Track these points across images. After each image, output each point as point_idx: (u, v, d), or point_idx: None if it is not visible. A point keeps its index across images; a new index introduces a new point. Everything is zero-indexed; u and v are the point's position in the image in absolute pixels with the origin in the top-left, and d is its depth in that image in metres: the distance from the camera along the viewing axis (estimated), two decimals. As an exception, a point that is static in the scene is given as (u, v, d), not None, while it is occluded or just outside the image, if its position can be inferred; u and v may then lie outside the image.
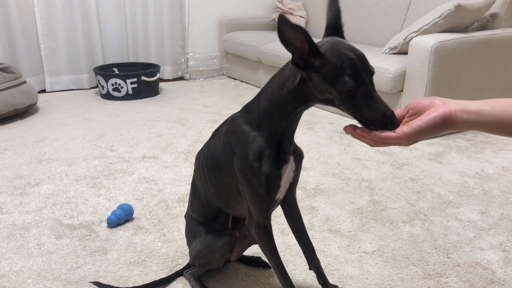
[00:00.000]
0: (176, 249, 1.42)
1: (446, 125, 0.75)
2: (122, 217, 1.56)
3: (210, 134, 1.25)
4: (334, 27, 0.87)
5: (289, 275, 1.05)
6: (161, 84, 3.79)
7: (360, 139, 0.83)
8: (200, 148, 1.16)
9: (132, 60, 3.89)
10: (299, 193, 1.79)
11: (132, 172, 2.02)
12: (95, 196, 1.79)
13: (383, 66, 2.49)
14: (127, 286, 1.24)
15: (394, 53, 2.63)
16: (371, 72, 0.82)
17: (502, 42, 2.51)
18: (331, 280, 1.23)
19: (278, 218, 1.58)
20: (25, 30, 3.40)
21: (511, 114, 0.72)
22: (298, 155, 1.02)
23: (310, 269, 1.15)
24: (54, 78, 3.60)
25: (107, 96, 3.38)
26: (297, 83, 0.86)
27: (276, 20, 0.76)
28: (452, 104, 0.76)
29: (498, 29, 2.59)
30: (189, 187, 1.82)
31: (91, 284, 1.24)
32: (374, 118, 0.79)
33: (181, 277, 1.27)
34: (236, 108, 2.95)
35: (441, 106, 0.76)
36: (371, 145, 0.83)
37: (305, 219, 1.56)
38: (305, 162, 2.09)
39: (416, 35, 2.46)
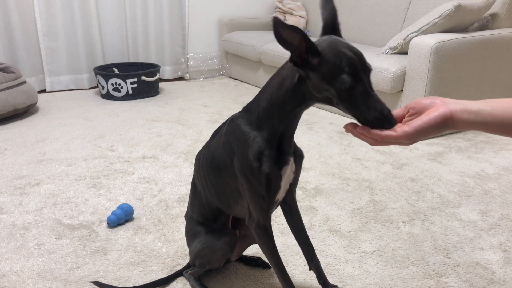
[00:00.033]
0: (176, 249, 1.42)
1: (446, 125, 0.75)
2: (122, 217, 1.56)
3: (210, 134, 1.25)
4: (331, 26, 0.87)
5: (289, 275, 1.05)
6: (161, 84, 3.79)
7: (360, 138, 0.83)
8: (200, 148, 1.16)
9: (132, 60, 3.90)
10: (299, 193, 1.79)
11: (132, 172, 2.02)
12: (95, 196, 1.79)
13: (383, 66, 2.49)
14: (127, 286, 1.24)
15: (394, 53, 2.63)
16: (368, 70, 0.82)
17: (502, 42, 2.51)
18: (331, 280, 1.23)
19: (278, 218, 1.58)
20: (25, 30, 3.40)
21: (511, 114, 0.72)
22: (298, 156, 1.02)
23: (310, 269, 1.15)
24: (54, 78, 3.60)
25: (107, 96, 3.38)
26: (295, 82, 0.86)
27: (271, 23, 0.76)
28: (453, 104, 0.76)
29: (498, 29, 2.59)
30: (189, 187, 1.82)
31: (91, 284, 1.24)
32: (372, 116, 0.79)
33: (181, 277, 1.27)
34: (236, 108, 2.95)
35: (441, 106, 0.76)
36: (371, 144, 0.83)
37: (305, 219, 1.56)
38: (305, 162, 2.09)
39: (416, 35, 2.46)
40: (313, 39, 0.82)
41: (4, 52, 3.33)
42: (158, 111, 3.04)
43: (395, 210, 1.67)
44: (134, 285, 1.23)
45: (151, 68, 3.54)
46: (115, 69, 3.65)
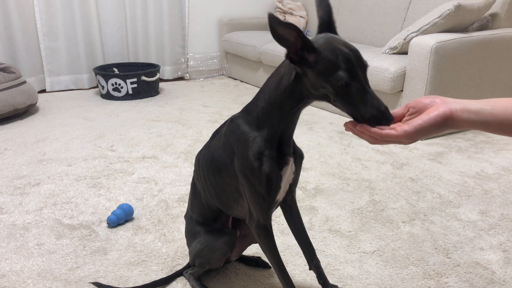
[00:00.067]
0: (176, 249, 1.42)
1: (446, 124, 0.75)
2: (122, 217, 1.56)
3: (210, 134, 1.25)
4: (327, 24, 0.88)
5: (289, 275, 1.05)
6: (161, 84, 3.79)
7: (360, 136, 0.83)
8: (200, 148, 1.16)
9: (132, 60, 3.90)
10: (299, 193, 1.79)
11: (132, 172, 2.02)
12: (95, 196, 1.79)
13: (383, 66, 2.49)
14: (127, 286, 1.24)
15: (394, 53, 2.63)
16: (365, 66, 0.82)
17: (502, 42, 2.51)
18: (331, 280, 1.23)
19: (278, 218, 1.58)
20: (25, 30, 3.40)
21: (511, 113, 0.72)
22: (298, 156, 1.02)
23: (310, 269, 1.15)
24: (54, 78, 3.60)
25: (107, 96, 3.38)
26: (292, 79, 0.87)
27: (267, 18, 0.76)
28: (453, 103, 0.76)
29: (498, 29, 2.59)
30: (189, 187, 1.82)
31: (91, 284, 1.24)
32: (369, 113, 0.79)
33: (181, 277, 1.27)
34: (236, 108, 2.95)
35: (442, 105, 0.76)
36: (371, 142, 0.83)
37: (305, 219, 1.56)
38: (305, 162, 2.09)
39: (416, 35, 2.46)
40: (311, 38, 0.83)
41: (4, 52, 3.33)
42: (158, 111, 3.04)
43: (395, 210, 1.67)
44: (134, 285, 1.23)
45: (151, 68, 3.54)
46: (115, 69, 3.65)
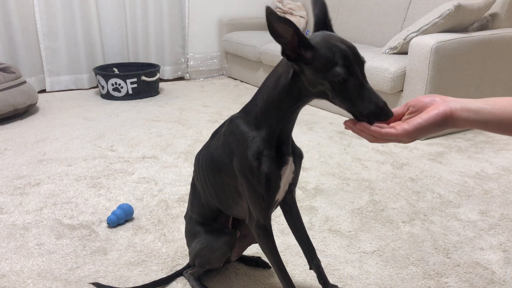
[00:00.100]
0: (176, 249, 1.42)
1: (446, 123, 0.75)
2: (122, 217, 1.56)
3: (210, 134, 1.25)
4: (323, 22, 0.88)
5: (289, 275, 1.05)
6: (161, 84, 3.79)
7: (360, 134, 0.83)
8: (200, 148, 1.17)
9: (132, 60, 3.90)
10: (299, 193, 1.79)
11: (132, 172, 2.02)
12: (95, 196, 1.79)
13: (383, 66, 2.49)
14: (127, 286, 1.24)
15: (394, 53, 2.63)
16: (362, 62, 0.82)
17: (502, 42, 2.51)
18: (331, 280, 1.23)
19: (278, 218, 1.58)
20: (25, 30, 3.40)
21: (511, 113, 0.72)
22: (298, 156, 1.02)
23: (310, 268, 1.15)
24: (54, 78, 3.61)
25: (107, 96, 3.38)
26: (290, 78, 0.87)
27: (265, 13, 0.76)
28: (453, 102, 0.76)
29: (498, 29, 2.59)
30: (189, 187, 1.82)
31: (91, 284, 1.24)
32: (368, 109, 0.79)
33: (181, 277, 1.27)
34: (236, 108, 2.95)
35: (441, 104, 0.76)
36: (370, 141, 0.83)
37: (305, 219, 1.56)
38: (305, 162, 2.09)
39: (416, 35, 2.46)
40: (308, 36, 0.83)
41: (4, 52, 3.33)
42: (158, 111, 3.05)
43: (395, 210, 1.67)
44: (134, 285, 1.23)
45: (151, 68, 3.54)
46: (115, 69, 3.65)
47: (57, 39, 3.52)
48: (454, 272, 1.30)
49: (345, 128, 0.85)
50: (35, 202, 1.73)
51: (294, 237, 1.15)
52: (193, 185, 1.17)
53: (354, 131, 0.83)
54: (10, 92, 2.72)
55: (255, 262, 1.33)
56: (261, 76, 3.69)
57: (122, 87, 3.33)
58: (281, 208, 1.14)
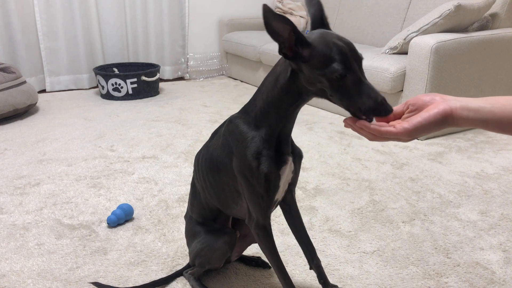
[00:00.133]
0: (176, 249, 1.42)
1: (446, 122, 0.75)
2: (122, 217, 1.56)
3: (210, 134, 1.25)
4: (319, 20, 0.88)
5: (289, 275, 1.05)
6: (161, 84, 3.79)
7: (360, 132, 0.83)
8: (199, 148, 1.17)
9: (132, 60, 3.90)
10: (299, 193, 1.79)
11: (132, 172, 2.02)
12: (95, 196, 1.79)
13: (383, 66, 2.49)
14: (127, 286, 1.24)
15: (394, 53, 2.63)
16: (359, 58, 0.82)
17: (502, 42, 2.51)
18: (331, 280, 1.23)
19: (278, 218, 1.58)
20: (25, 30, 3.40)
21: (511, 112, 0.72)
22: (297, 155, 1.02)
23: (310, 268, 1.15)
24: (54, 78, 3.61)
25: (107, 96, 3.38)
26: (288, 77, 0.87)
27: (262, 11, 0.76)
28: (453, 101, 0.76)
29: (498, 29, 2.59)
30: (189, 187, 1.82)
31: (91, 284, 1.24)
32: (366, 105, 0.79)
33: (181, 277, 1.27)
34: (236, 108, 2.95)
35: (441, 103, 0.76)
36: (370, 139, 0.83)
37: (305, 219, 1.56)
38: (305, 162, 2.09)
39: (416, 35, 2.46)
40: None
41: (4, 52, 3.33)
42: (158, 111, 3.05)
43: (395, 210, 1.67)
44: (134, 285, 1.23)
45: (151, 68, 3.54)
46: (115, 69, 3.65)
47: (57, 39, 3.52)
48: (454, 272, 1.30)
49: (345, 126, 0.85)
50: (35, 202, 1.73)
51: (294, 237, 1.15)
52: (193, 185, 1.17)
53: (353, 129, 0.83)
54: (10, 92, 2.72)
55: (255, 262, 1.33)
56: (261, 76, 3.69)
57: (122, 87, 3.33)
58: (281, 208, 1.14)
